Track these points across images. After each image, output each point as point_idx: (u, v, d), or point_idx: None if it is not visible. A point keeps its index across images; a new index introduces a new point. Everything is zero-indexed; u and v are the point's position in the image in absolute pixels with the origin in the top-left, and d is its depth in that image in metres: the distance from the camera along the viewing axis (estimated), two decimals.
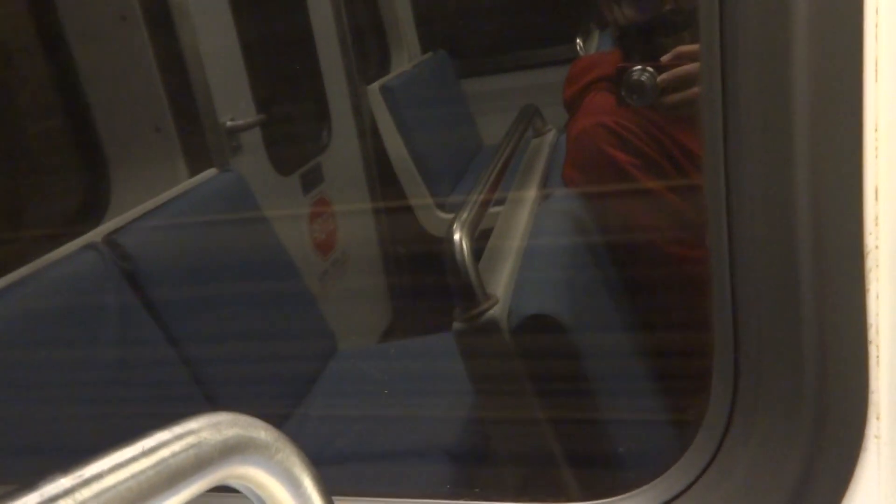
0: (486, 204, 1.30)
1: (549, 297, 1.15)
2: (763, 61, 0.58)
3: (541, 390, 1.12)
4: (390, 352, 2.38)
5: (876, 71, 0.55)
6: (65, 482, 0.34)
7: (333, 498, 0.48)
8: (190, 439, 0.40)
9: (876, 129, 0.56)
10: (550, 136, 2.10)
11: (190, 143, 2.13)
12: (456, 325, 1.11)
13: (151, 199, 1.84)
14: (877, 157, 0.57)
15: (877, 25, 0.54)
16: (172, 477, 0.38)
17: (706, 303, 0.69)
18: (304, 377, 2.01)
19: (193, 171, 2.09)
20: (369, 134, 3.21)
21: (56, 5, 1.96)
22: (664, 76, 1.28)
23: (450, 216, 1.27)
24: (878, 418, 0.63)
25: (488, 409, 1.23)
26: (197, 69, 2.12)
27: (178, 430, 0.40)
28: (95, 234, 1.66)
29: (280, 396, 1.91)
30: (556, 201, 1.53)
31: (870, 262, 0.59)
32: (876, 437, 0.63)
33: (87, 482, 0.35)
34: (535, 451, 1.16)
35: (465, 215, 1.20)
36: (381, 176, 3.23)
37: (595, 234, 1.43)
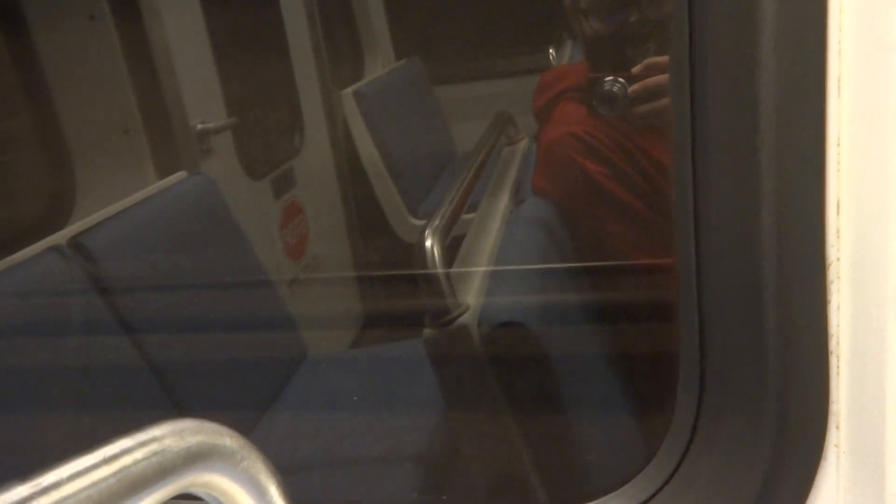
0: (458, 211, 1.31)
1: (519, 305, 1.16)
2: (730, 77, 0.59)
3: (510, 397, 1.12)
4: (359, 358, 2.37)
5: (839, 87, 0.56)
6: (21, 490, 0.33)
7: None
8: (153, 447, 0.39)
9: (838, 144, 0.57)
10: (523, 144, 2.11)
11: (159, 145, 2.10)
12: (426, 331, 1.11)
13: (119, 202, 1.81)
14: (839, 170, 0.58)
15: (840, 42, 0.55)
16: (134, 485, 0.38)
17: (673, 312, 0.70)
18: (272, 383, 1.99)
19: (162, 174, 2.06)
20: (342, 139, 3.20)
21: (22, 2, 1.92)
22: (635, 87, 1.30)
23: (422, 222, 1.27)
24: (837, 427, 0.64)
25: (457, 415, 1.23)
26: (167, 70, 2.10)
27: (140, 437, 0.39)
28: (60, 237, 1.63)
29: (248, 402, 1.89)
30: (527, 209, 1.53)
31: (831, 273, 0.60)
32: (836, 445, 0.65)
33: (45, 490, 0.34)
34: (503, 458, 1.16)
35: (436, 222, 1.20)
36: (354, 181, 3.22)
37: (565, 243, 1.44)
